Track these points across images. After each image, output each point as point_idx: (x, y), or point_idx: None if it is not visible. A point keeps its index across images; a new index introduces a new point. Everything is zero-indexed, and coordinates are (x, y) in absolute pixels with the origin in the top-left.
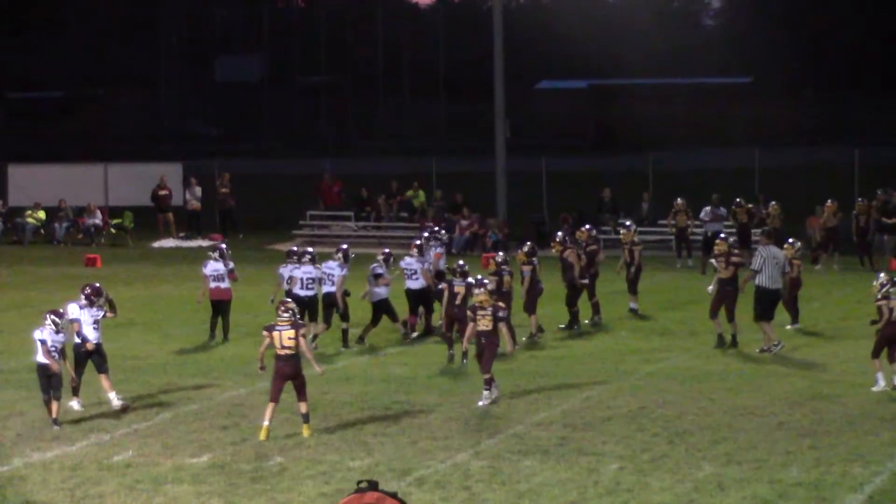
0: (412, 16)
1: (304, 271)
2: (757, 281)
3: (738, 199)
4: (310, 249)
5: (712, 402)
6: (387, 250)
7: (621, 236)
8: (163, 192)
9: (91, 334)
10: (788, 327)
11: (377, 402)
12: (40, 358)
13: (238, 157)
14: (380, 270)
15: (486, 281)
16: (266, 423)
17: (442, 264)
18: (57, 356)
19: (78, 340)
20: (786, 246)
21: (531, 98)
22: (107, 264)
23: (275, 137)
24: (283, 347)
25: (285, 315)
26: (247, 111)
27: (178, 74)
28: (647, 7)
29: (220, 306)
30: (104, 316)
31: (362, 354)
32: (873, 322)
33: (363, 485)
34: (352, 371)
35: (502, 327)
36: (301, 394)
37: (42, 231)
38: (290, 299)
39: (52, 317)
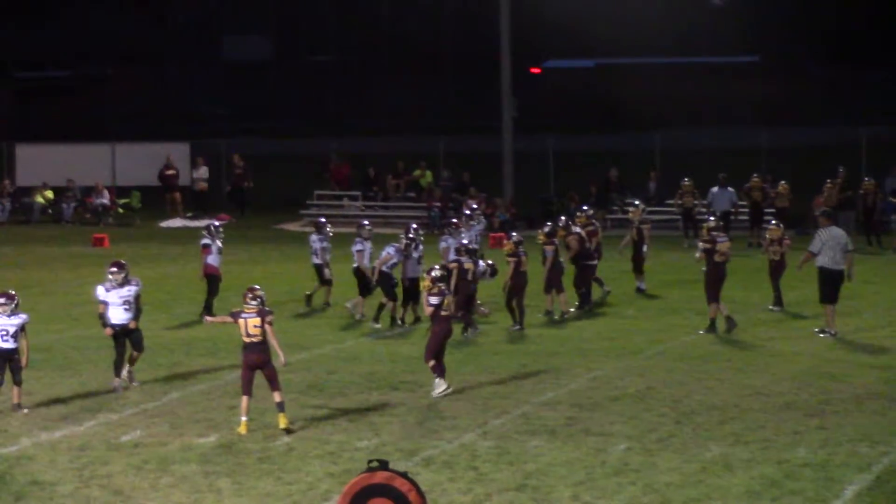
0: None
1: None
2: (819, 262)
3: (754, 175)
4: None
5: (720, 382)
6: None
7: (630, 215)
8: (170, 172)
9: (121, 315)
10: (771, 307)
11: (384, 382)
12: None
13: (245, 137)
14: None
15: (434, 268)
16: (244, 417)
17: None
18: (10, 339)
19: (112, 320)
20: (771, 227)
21: (538, 77)
22: (114, 244)
23: (282, 116)
24: (249, 335)
25: (252, 302)
26: (254, 90)
27: (186, 53)
28: None
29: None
30: (137, 296)
31: (370, 334)
32: None
33: (374, 464)
34: (358, 350)
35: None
36: (273, 383)
37: (50, 211)
38: (257, 286)
39: (2, 299)
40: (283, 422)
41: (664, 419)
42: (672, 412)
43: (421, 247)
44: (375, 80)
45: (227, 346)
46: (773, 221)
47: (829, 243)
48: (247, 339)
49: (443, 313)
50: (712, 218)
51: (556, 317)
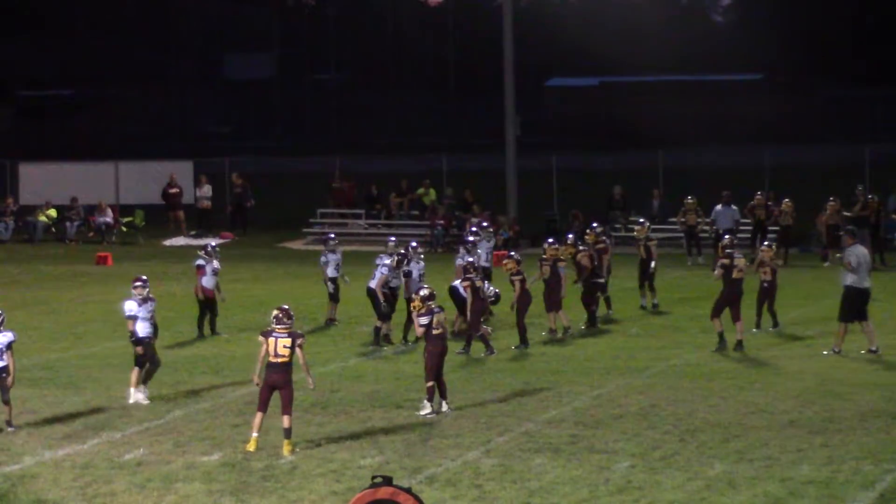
0: (422, 12)
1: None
2: (847, 281)
3: (758, 193)
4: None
5: (723, 400)
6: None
7: (635, 233)
8: (173, 191)
9: (147, 329)
10: (771, 329)
11: (388, 400)
12: None
13: (248, 155)
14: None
15: (423, 287)
16: (255, 433)
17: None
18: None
19: (141, 334)
20: (763, 248)
21: (542, 95)
22: (117, 262)
23: (285, 135)
24: (277, 355)
25: (287, 321)
26: (257, 109)
27: (189, 72)
28: (657, 4)
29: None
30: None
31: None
32: None
33: (378, 480)
34: (362, 369)
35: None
36: (286, 406)
37: (53, 229)
38: (286, 305)
39: None
40: (286, 449)
41: (668, 437)
42: (676, 430)
43: (421, 264)
44: (378, 99)
45: (230, 365)
46: (766, 243)
47: (859, 259)
48: (273, 359)
49: (434, 332)
50: (727, 237)
51: (559, 335)
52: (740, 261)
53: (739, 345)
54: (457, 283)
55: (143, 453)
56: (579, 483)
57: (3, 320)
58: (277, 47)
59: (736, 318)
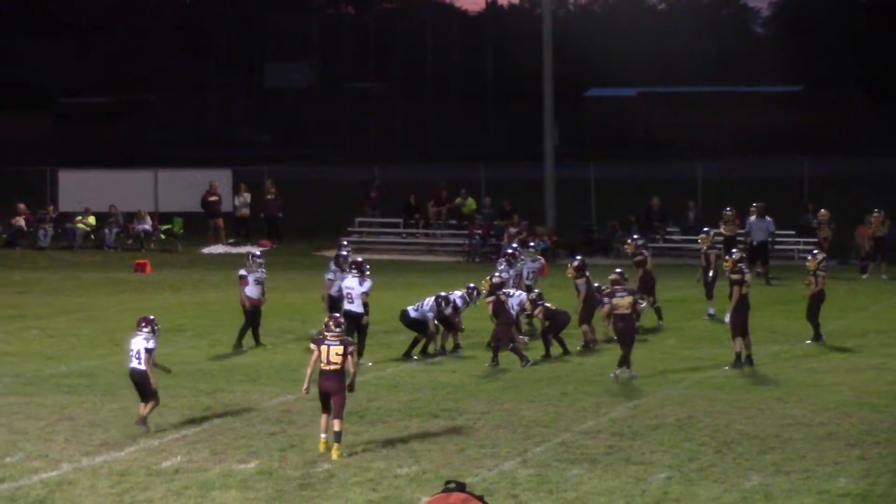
0: (461, 22)
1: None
2: None
3: (727, 209)
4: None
5: (760, 412)
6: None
7: (699, 242)
8: (212, 198)
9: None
10: (808, 342)
11: (425, 410)
12: (138, 365)
13: (287, 164)
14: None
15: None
16: (323, 434)
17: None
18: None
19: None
20: (809, 258)
21: (580, 106)
22: (156, 270)
23: (323, 144)
24: (329, 363)
25: (336, 330)
26: (296, 117)
27: (228, 80)
28: (696, 15)
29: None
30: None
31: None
32: None
33: (451, 486)
34: (399, 378)
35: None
36: (337, 411)
37: (92, 236)
38: (338, 314)
39: (147, 325)
40: (335, 453)
41: (704, 448)
42: (712, 441)
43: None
44: (417, 108)
45: (267, 373)
46: (815, 251)
47: None
48: (326, 367)
49: (616, 312)
50: (735, 251)
51: (590, 346)
52: (749, 276)
53: (749, 359)
54: (410, 308)
55: (179, 461)
56: (615, 494)
57: (157, 329)
58: (317, 56)
59: (745, 332)
